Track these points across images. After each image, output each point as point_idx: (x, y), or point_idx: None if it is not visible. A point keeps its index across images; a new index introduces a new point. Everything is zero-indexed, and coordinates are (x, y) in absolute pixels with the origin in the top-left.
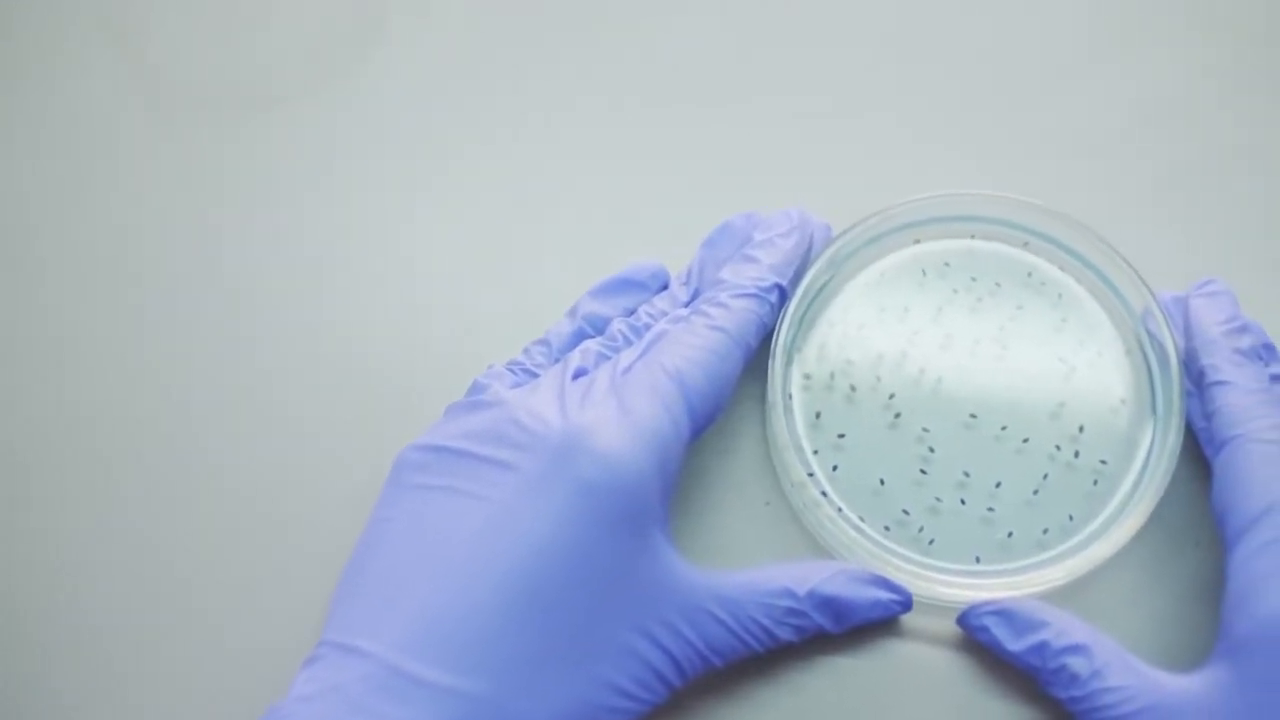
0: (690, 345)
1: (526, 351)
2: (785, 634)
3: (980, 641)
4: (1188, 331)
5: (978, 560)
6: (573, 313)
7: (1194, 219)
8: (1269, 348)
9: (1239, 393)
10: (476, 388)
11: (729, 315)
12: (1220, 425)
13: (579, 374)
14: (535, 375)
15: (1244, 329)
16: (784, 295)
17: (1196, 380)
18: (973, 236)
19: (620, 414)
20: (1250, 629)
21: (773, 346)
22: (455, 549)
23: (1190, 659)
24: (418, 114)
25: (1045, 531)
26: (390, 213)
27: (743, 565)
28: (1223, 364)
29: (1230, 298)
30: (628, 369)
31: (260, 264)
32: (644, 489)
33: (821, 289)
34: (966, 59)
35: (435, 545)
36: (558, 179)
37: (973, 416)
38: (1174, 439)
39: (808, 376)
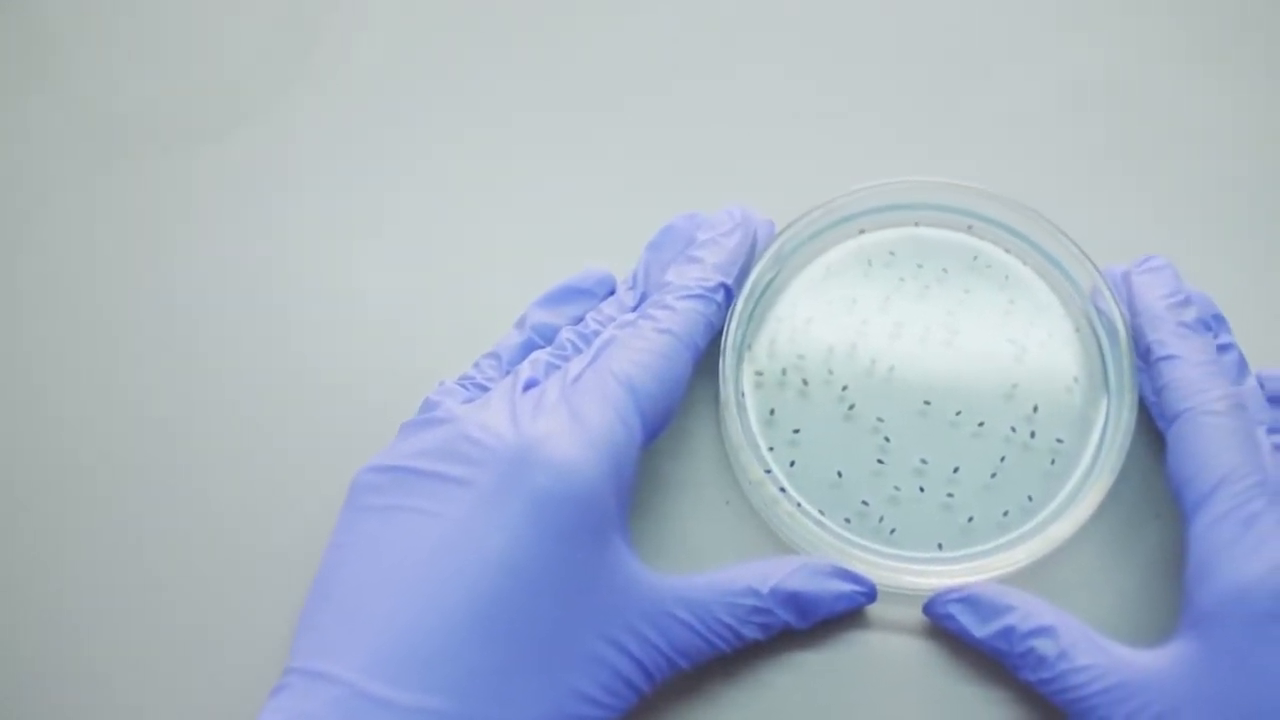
0: (639, 350)
1: (477, 365)
2: (751, 633)
3: (946, 629)
4: (1131, 309)
5: (940, 547)
6: (521, 323)
7: (1135, 195)
8: (1217, 318)
9: (1186, 366)
10: (428, 405)
11: (676, 318)
12: (1169, 400)
13: (530, 385)
14: (486, 389)
15: (1187, 302)
16: (730, 294)
17: (1144, 356)
18: (916, 224)
19: (572, 423)
20: (1213, 601)
21: (722, 346)
22: (415, 568)
23: (1157, 632)
24: (352, 137)
25: (1005, 514)
26: (332, 236)
27: (706, 566)
28: (1168, 338)
29: (1171, 272)
30: (578, 377)
31: (204, 296)
32: (600, 497)
33: (768, 285)
34: (901, 48)
35: (395, 566)
36: (497, 191)
37: (927, 403)
38: (1128, 414)
39: (759, 374)
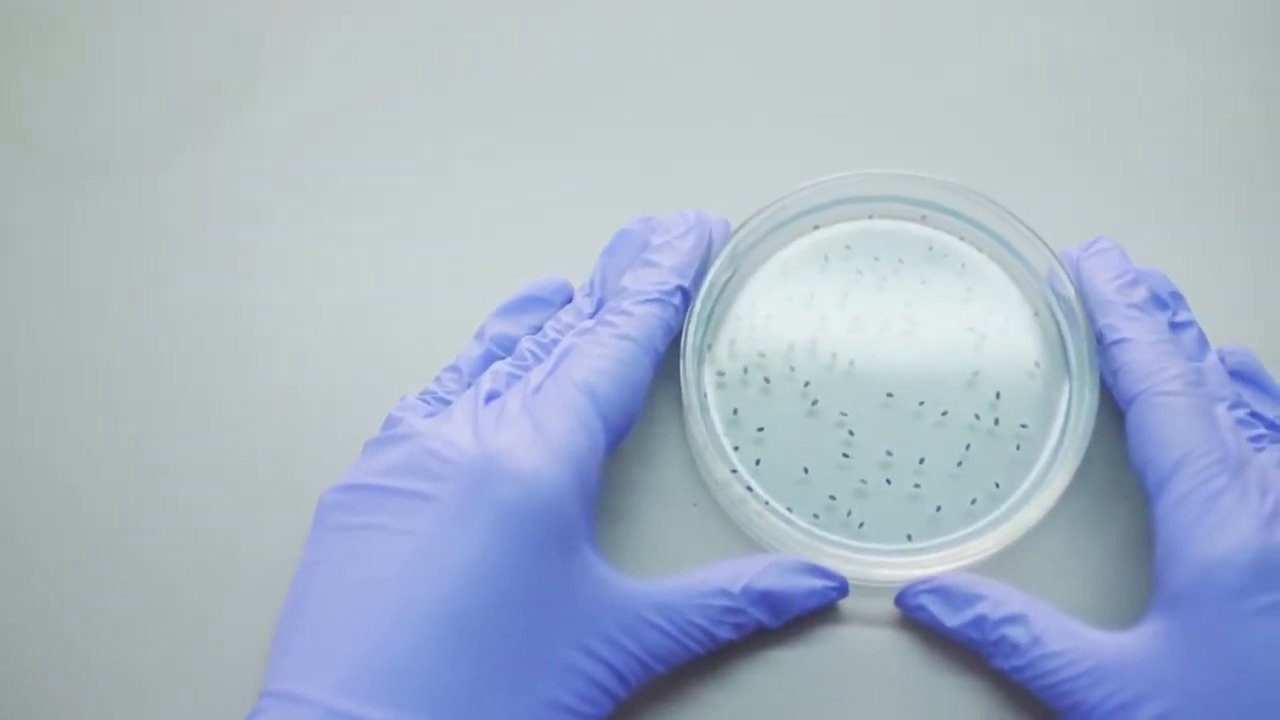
0: (598, 357)
1: (438, 379)
2: (725, 633)
3: (919, 620)
4: (1082, 294)
5: (909, 538)
6: (480, 335)
7: (1090, 177)
8: (1174, 295)
9: (1138, 348)
10: (390, 422)
11: (634, 322)
12: (1124, 383)
13: (491, 397)
14: (448, 402)
15: (1135, 282)
16: (687, 296)
17: (1099, 341)
18: (870, 216)
19: (534, 433)
20: (1181, 580)
21: (682, 348)
22: (384, 586)
23: (1131, 612)
24: (304, 156)
25: (973, 502)
26: (287, 256)
27: (676, 569)
28: (1119, 322)
29: (1118, 253)
30: (538, 387)
31: (164, 322)
32: (565, 506)
33: (726, 285)
34: (848, 39)
35: (365, 584)
36: (451, 204)
37: (889, 395)
38: (1090, 397)
39: (721, 374)
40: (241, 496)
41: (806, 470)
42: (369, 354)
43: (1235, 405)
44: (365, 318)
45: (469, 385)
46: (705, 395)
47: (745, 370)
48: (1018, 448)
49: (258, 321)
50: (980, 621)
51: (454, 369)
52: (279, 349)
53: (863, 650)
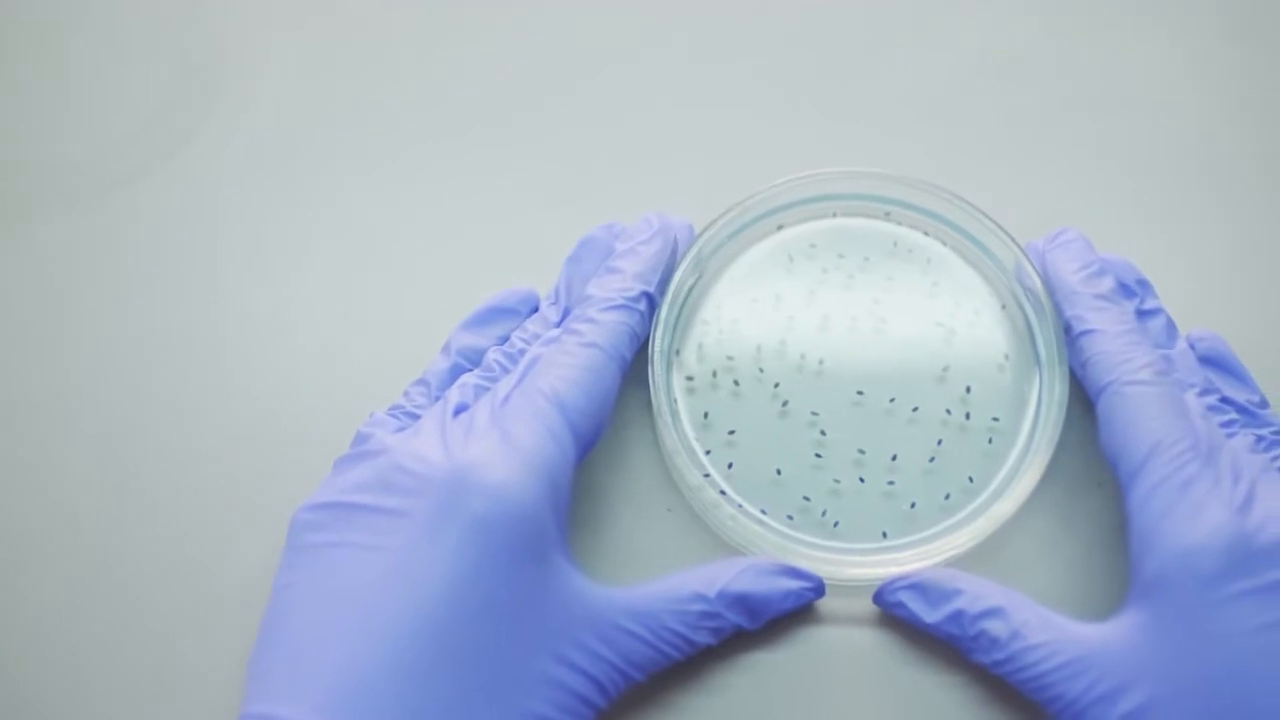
0: (565, 365)
1: (406, 394)
2: (703, 638)
3: (898, 617)
4: (1048, 286)
5: (884, 535)
6: (447, 349)
7: (1053, 167)
8: (1141, 283)
9: (1105, 339)
10: (360, 438)
11: (599, 330)
12: (1093, 374)
13: (460, 410)
14: (417, 417)
15: (1101, 272)
16: (653, 302)
17: (1066, 332)
18: (834, 214)
19: (504, 445)
20: (1157, 568)
21: (650, 354)
22: (360, 604)
23: (1110, 600)
24: (263, 179)
25: (947, 497)
26: (250, 280)
27: (652, 575)
28: (1086, 313)
29: (1083, 244)
30: (506, 398)
31: (129, 346)
32: (538, 516)
33: (692, 289)
34: (804, 37)
35: (340, 603)
36: (415, 217)
37: (860, 393)
38: (1061, 387)
39: (690, 379)
40: (215, 517)
41: (779, 472)
42: (338, 371)
43: (1205, 391)
44: (333, 335)
45: (437, 399)
46: (675, 400)
47: (714, 374)
48: (990, 441)
49: (224, 343)
50: (959, 616)
51: (422, 383)
52: (247, 370)
53: (842, 650)
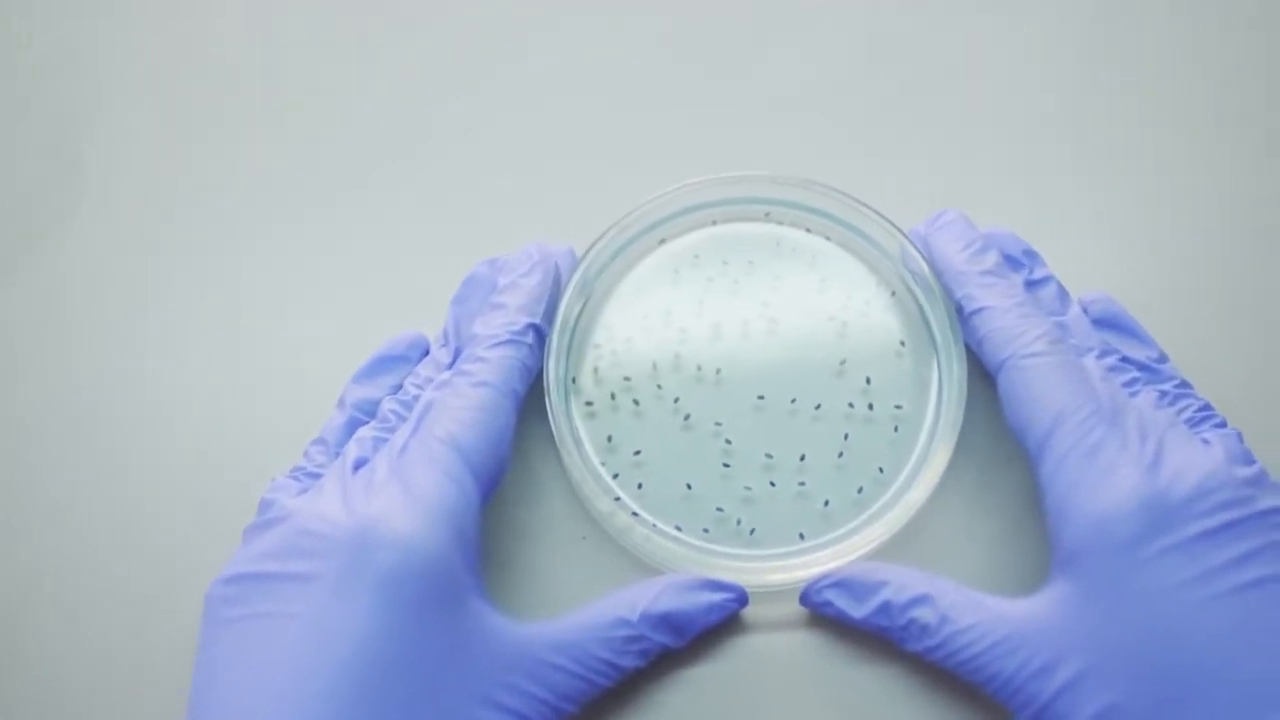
0: (459, 408)
1: (306, 454)
2: (630, 661)
3: (826, 616)
4: (935, 269)
5: (802, 537)
6: (341, 403)
7: (931, 146)
8: (1028, 253)
9: (997, 314)
10: (264, 505)
11: (489, 368)
12: (990, 350)
13: (359, 464)
14: (319, 476)
15: (985, 249)
16: (541, 333)
17: (959, 312)
18: (714, 222)
19: (405, 496)
20: (1076, 538)
21: (546, 384)
22: (278, 673)
23: (1033, 576)
24: (137, 255)
25: (860, 491)
26: (134, 360)
27: (575, 606)
28: (975, 291)
29: (964, 223)
30: (403, 448)
31: (25, 426)
32: (447, 564)
33: (580, 314)
34: (662, 43)
35: (259, 674)
36: (294, 278)
37: (760, 398)
38: (959, 368)
39: (589, 404)
40: (127, 596)
41: (690, 486)
42: (238, 440)
43: (1104, 353)
44: (227, 405)
45: (337, 455)
46: (576, 428)
47: (613, 396)
48: (896, 429)
49: (120, 422)
50: (886, 608)
51: (320, 441)
52: (145, 449)
53: (774, 655)
